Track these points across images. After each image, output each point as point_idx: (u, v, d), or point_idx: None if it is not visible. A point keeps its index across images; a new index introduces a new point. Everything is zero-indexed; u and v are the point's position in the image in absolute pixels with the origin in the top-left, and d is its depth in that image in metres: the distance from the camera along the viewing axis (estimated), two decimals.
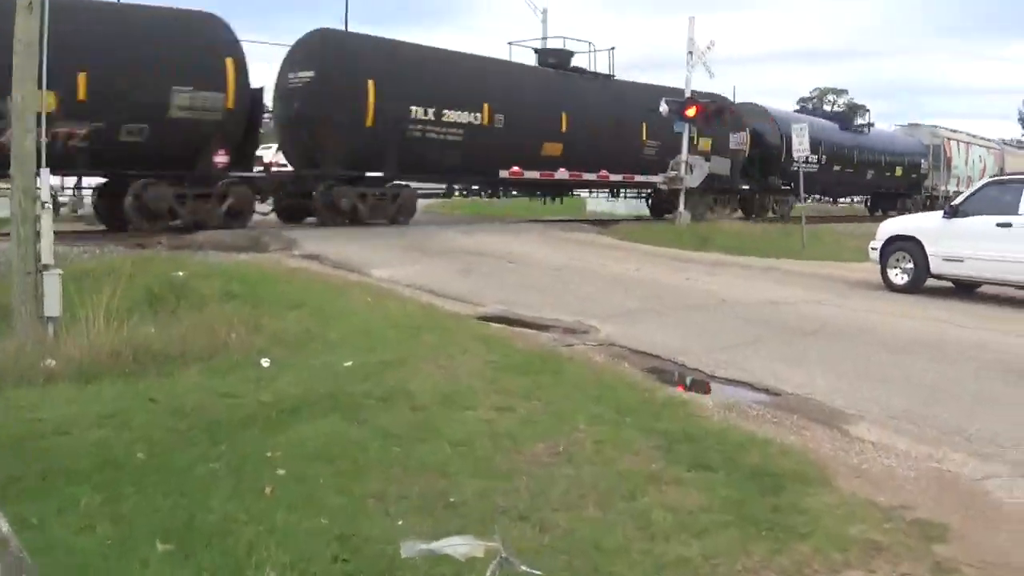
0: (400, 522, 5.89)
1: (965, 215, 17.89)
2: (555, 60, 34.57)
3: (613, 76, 35.54)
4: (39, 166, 10.95)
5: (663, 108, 32.88)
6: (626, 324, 13.54)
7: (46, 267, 10.91)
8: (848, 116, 52.57)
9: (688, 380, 10.72)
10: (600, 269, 20.50)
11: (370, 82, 27.09)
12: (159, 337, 11.11)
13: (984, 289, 18.66)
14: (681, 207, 33.80)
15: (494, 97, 30.36)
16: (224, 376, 9.73)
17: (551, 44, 37.39)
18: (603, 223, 33.65)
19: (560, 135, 31.99)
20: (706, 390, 10.18)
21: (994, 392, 10.12)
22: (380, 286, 16.51)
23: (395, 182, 28.93)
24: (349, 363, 10.18)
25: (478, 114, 29.79)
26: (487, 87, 30.61)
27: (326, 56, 27.61)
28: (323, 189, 26.96)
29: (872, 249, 19.44)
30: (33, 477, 6.50)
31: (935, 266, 18.21)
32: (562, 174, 32.73)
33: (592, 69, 35.01)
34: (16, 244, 10.87)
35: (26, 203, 10.80)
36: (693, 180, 34.47)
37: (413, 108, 28.18)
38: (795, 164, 34.25)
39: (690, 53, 33.84)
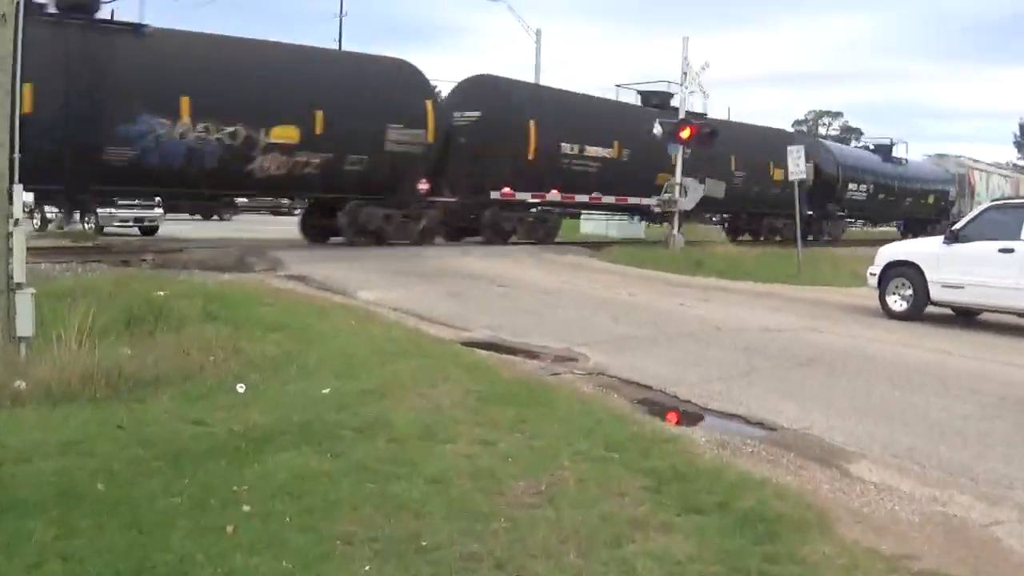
0: (367, 567, 5.48)
1: (966, 240, 17.47)
2: (658, 101, 38.85)
3: (705, 115, 38.80)
4: (11, 182, 10.51)
5: (656, 130, 32.85)
6: (617, 352, 13.11)
7: (19, 285, 10.47)
8: (888, 149, 54.36)
9: (680, 413, 10.24)
10: (592, 293, 20.15)
11: (532, 122, 32.42)
12: (134, 360, 10.67)
13: (985, 317, 18.25)
14: (675, 230, 33.49)
15: (621, 135, 35.64)
16: (197, 402, 9.29)
17: (649, 85, 40.83)
18: (595, 245, 33.24)
19: (672, 168, 35.08)
20: (699, 424, 9.70)
21: (1000, 429, 9.65)
22: (365, 309, 16.17)
23: (544, 208, 34.28)
24: (327, 390, 9.77)
25: (611, 149, 35.46)
26: (615, 126, 36.02)
27: (491, 99, 32.75)
28: (490, 214, 32.44)
29: (871, 275, 19.02)
30: None
31: (935, 293, 17.78)
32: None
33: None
34: None
35: None
36: (687, 203, 34.25)
37: (563, 144, 33.75)
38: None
39: (684, 73, 33.61)
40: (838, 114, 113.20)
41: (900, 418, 9.93)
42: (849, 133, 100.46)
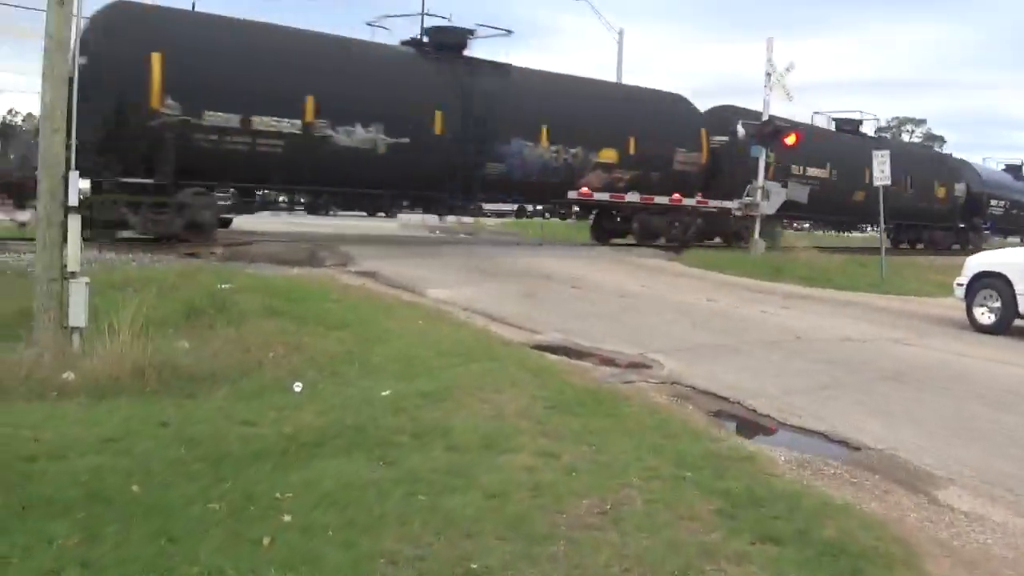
0: None
1: None
2: (850, 128, 46.08)
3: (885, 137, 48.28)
4: (68, 168, 10.23)
5: (740, 131, 32.27)
6: (693, 360, 12.57)
7: (73, 274, 10.21)
8: (1018, 168, 59.94)
9: (758, 429, 9.69)
10: (669, 297, 19.59)
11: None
12: (190, 354, 10.50)
13: None
14: (756, 234, 32.83)
15: (833, 159, 41.67)
16: (250, 400, 8.94)
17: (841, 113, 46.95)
18: (675, 248, 32.60)
19: (865, 185, 38.99)
20: (778, 441, 9.11)
21: None
22: (434, 307, 15.75)
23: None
24: (386, 392, 9.36)
25: (824, 171, 41.07)
26: (827, 151, 41.67)
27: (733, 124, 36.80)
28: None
29: (958, 285, 18.29)
30: (12, 507, 5.78)
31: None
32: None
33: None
34: (41, 249, 10.24)
35: (52, 206, 10.19)
36: (769, 207, 33.60)
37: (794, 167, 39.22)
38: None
39: (768, 75, 32.93)
40: (922, 121, 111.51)
41: (991, 440, 9.32)
42: (932, 141, 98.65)
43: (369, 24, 31.34)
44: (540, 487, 6.81)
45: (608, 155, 32.00)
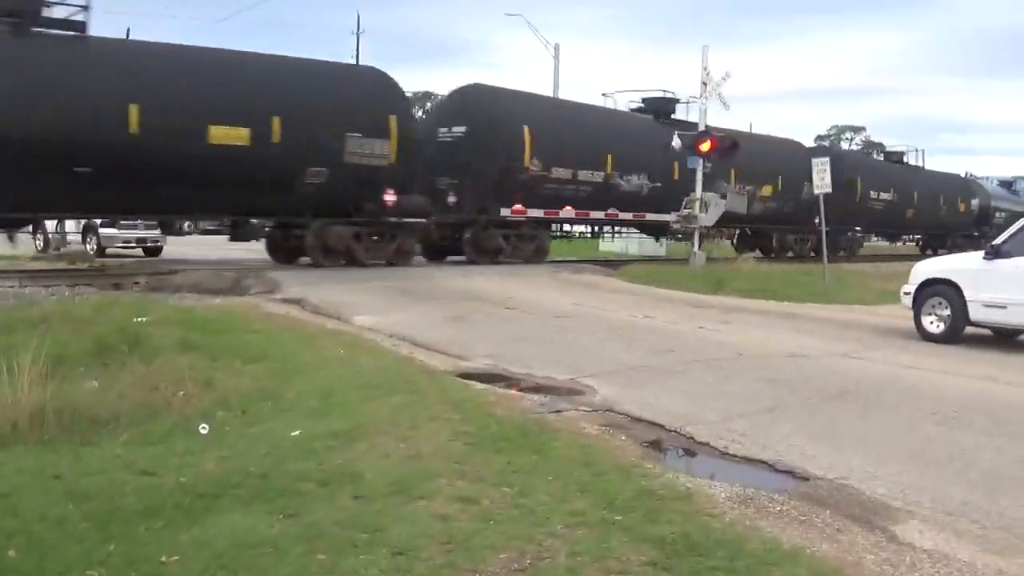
0: None
1: (1008, 256, 16.13)
2: (896, 159, 56.05)
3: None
4: None
5: (675, 143, 31.95)
6: (627, 383, 11.86)
7: None
8: (1009, 184, 69.69)
9: (696, 460, 8.94)
10: (606, 316, 18.92)
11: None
12: (97, 394, 9.77)
13: None
14: (696, 247, 32.34)
15: (895, 185, 51.69)
16: (152, 446, 8.21)
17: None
18: (614, 264, 32.05)
19: (914, 204, 53.11)
20: (718, 474, 8.28)
21: None
22: (358, 335, 15.05)
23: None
24: (297, 432, 8.61)
25: (890, 195, 50.77)
26: (892, 179, 51.85)
27: None
28: None
29: (905, 294, 17.68)
30: None
31: (974, 313, 16.45)
32: None
33: None
34: None
35: None
36: (708, 219, 33.12)
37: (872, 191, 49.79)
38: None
39: (704, 84, 32.45)
40: (860, 128, 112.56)
41: (949, 463, 8.63)
42: (871, 147, 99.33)
43: (604, 95, 40.85)
44: (453, 540, 6.08)
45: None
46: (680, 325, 17.91)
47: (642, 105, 40.04)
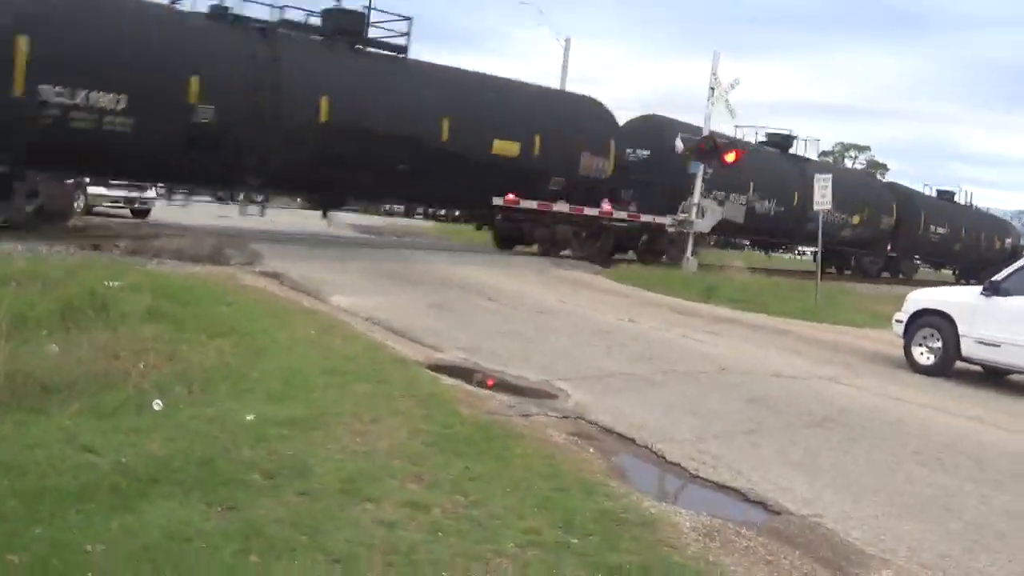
0: None
1: (1007, 294, 15.70)
2: (947, 196, 58.86)
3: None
4: None
5: (678, 145, 31.38)
6: (603, 391, 11.43)
7: None
8: None
9: (665, 482, 8.51)
10: (589, 316, 18.49)
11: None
12: (54, 361, 9.24)
13: (1017, 378, 16.56)
14: (688, 253, 31.93)
15: (949, 220, 54.74)
16: (101, 419, 7.67)
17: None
18: (602, 262, 31.60)
19: (962, 238, 56.70)
20: (685, 499, 7.89)
21: None
22: (332, 316, 14.60)
23: None
24: (251, 416, 8.14)
25: (945, 229, 53.83)
26: (948, 215, 55.47)
27: None
28: None
29: (897, 322, 17.23)
30: None
31: (967, 348, 16.00)
32: None
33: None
34: None
35: None
36: (704, 224, 32.76)
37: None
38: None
39: (712, 89, 32.02)
40: (865, 148, 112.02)
41: (930, 509, 8.21)
42: (875, 168, 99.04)
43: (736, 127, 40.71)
44: (396, 551, 5.68)
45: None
46: (665, 332, 17.49)
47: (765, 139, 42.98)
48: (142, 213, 33.35)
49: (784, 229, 41.41)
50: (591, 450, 8.79)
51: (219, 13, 24.52)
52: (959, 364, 16.35)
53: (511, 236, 34.30)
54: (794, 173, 40.40)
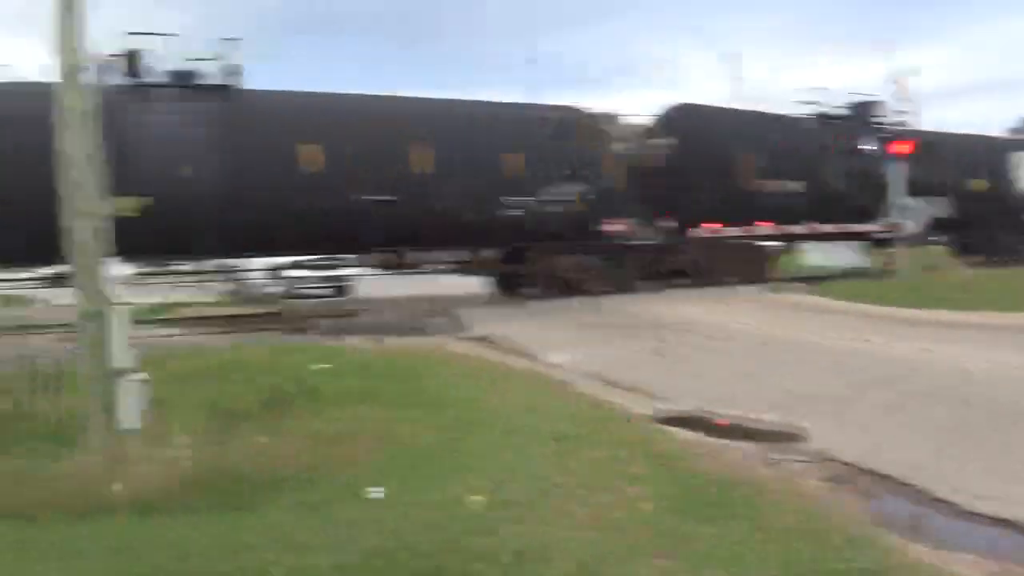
0: None
1: None
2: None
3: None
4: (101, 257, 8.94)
5: (868, 146, 30.30)
6: (848, 424, 10.67)
7: (121, 371, 8.75)
8: None
9: (936, 524, 7.63)
10: (815, 341, 17.65)
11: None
12: (263, 452, 9.08)
13: None
14: (901, 258, 30.72)
15: None
16: (312, 514, 7.34)
17: None
18: (815, 279, 30.41)
19: None
20: (962, 542, 7.04)
21: None
22: (548, 375, 14.30)
23: None
24: (477, 498, 7.66)
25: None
26: None
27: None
28: None
29: None
30: None
31: None
32: None
33: None
34: (82, 344, 8.88)
35: (89, 298, 8.81)
36: (914, 226, 31.34)
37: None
38: None
39: (894, 81, 31.02)
40: None
41: None
42: None
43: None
44: None
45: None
46: (899, 346, 16.41)
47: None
48: (342, 291, 33.64)
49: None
50: (846, 496, 8.12)
51: None
52: None
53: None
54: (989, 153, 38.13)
